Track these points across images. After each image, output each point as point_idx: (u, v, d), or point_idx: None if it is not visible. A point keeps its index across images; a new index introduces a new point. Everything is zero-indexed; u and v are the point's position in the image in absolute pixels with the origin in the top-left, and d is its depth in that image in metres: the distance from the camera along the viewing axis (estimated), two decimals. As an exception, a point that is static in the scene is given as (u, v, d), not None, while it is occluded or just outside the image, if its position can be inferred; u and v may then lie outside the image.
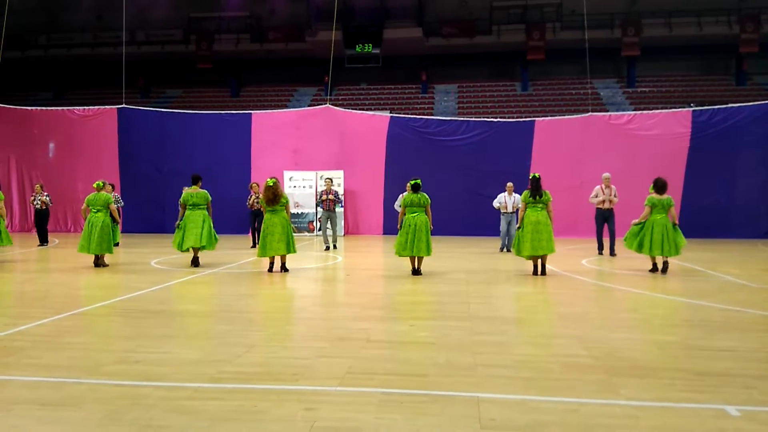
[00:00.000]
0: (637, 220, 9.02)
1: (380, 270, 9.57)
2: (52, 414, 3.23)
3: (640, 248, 8.89)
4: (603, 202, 11.72)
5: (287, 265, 9.21)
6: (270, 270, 9.03)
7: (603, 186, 11.79)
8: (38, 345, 4.65)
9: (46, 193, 14.04)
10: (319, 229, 13.04)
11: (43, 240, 13.73)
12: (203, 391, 3.60)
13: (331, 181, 13.47)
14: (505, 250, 12.37)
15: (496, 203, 12.55)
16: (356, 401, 3.42)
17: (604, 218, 11.79)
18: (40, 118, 18.03)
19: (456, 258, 11.13)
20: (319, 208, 14.81)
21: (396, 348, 4.62)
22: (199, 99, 29.46)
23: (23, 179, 18.01)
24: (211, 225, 9.79)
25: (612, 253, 11.58)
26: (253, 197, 13.29)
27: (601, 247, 11.89)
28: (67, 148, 17.85)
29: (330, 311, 6.45)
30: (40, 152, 17.99)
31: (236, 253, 11.76)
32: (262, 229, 9.13)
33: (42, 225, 13.89)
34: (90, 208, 9.60)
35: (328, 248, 12.74)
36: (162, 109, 19.37)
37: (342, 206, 16.72)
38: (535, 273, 8.74)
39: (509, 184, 12.56)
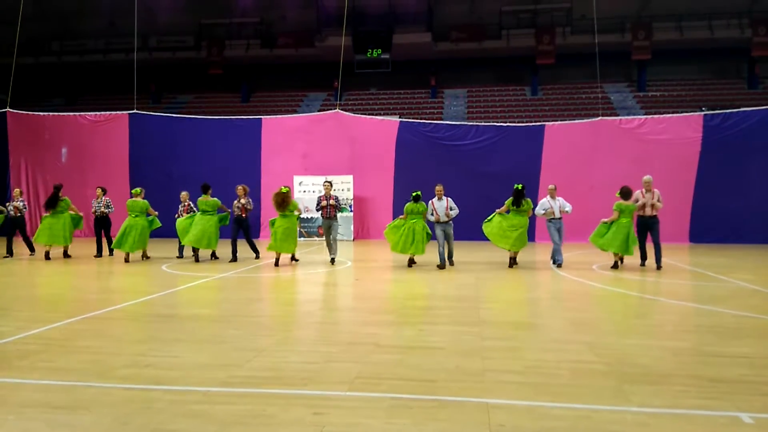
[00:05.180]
0: (606, 220, 10.27)
1: (389, 274, 9.56)
2: (63, 417, 3.26)
3: (603, 246, 10.22)
4: (644, 207, 10.38)
5: (296, 256, 11.28)
6: (276, 264, 10.46)
7: (643, 190, 10.54)
8: (50, 348, 4.69)
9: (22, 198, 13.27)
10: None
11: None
12: (213, 395, 3.61)
13: (331, 185, 11.41)
14: (555, 264, 10.65)
15: (540, 210, 10.78)
16: (365, 406, 3.42)
17: (647, 226, 10.40)
18: (53, 123, 18.20)
19: (465, 262, 11.08)
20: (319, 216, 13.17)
21: (405, 353, 4.61)
22: (210, 104, 29.66)
23: (37, 184, 18.16)
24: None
25: (658, 266, 10.11)
26: (236, 202, 11.48)
27: (644, 258, 10.47)
28: (78, 153, 18.01)
29: (339, 316, 6.45)
30: (51, 157, 18.16)
31: (245, 258, 11.77)
32: (273, 229, 10.52)
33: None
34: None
35: (333, 260, 11.18)
36: (173, 115, 19.50)
37: (351, 210, 16.76)
38: (510, 266, 10.47)
39: (551, 186, 10.93)
